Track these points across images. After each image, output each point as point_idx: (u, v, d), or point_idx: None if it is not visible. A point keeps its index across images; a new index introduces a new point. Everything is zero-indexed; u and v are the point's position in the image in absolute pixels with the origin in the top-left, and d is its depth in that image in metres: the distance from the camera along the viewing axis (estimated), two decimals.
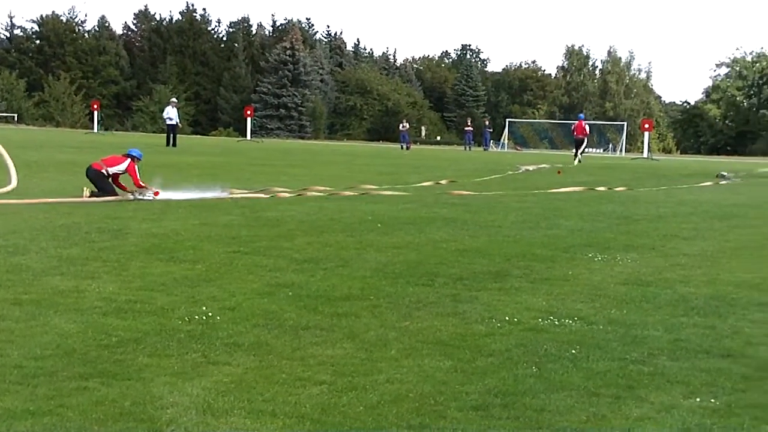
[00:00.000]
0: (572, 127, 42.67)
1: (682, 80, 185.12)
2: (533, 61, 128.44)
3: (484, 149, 64.20)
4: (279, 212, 12.89)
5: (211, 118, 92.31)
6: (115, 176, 14.43)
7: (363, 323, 6.18)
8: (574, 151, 40.07)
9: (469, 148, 61.19)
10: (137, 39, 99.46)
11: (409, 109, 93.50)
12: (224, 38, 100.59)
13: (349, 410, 4.38)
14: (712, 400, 4.69)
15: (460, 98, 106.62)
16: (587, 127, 40.35)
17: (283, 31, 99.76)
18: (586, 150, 41.29)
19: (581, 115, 43.60)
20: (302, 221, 11.93)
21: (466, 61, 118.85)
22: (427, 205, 14.93)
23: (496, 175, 25.36)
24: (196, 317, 6.12)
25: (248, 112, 59.99)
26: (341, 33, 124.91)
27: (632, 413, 4.47)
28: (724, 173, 28.55)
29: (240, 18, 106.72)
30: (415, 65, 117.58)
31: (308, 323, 6.11)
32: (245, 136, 60.15)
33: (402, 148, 56.40)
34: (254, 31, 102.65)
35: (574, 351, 5.59)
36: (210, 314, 6.22)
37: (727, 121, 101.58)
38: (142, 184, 14.33)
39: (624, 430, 4.23)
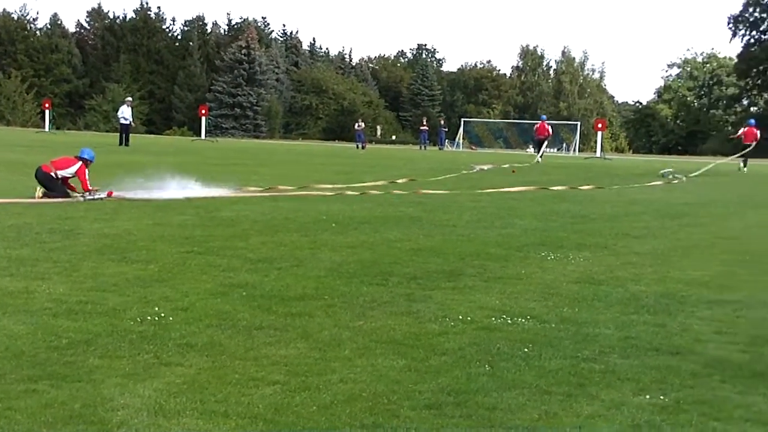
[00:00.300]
0: (534, 128, 43.69)
1: (634, 80, 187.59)
2: (488, 61, 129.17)
3: (440, 149, 64.38)
4: (233, 212, 12.83)
5: (165, 117, 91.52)
6: (65, 178, 14.19)
7: (317, 323, 6.18)
8: (535, 150, 40.98)
9: (425, 147, 61.31)
10: (90, 37, 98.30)
11: (364, 108, 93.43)
12: (179, 37, 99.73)
13: (302, 410, 4.37)
14: (662, 397, 4.75)
15: (416, 98, 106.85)
16: (549, 128, 41.33)
17: (238, 29, 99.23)
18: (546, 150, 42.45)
19: (543, 116, 44.71)
20: (256, 221, 11.89)
21: (422, 60, 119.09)
22: (381, 204, 14.95)
23: (451, 175, 25.43)
24: (149, 318, 6.08)
25: (203, 111, 59.55)
26: (297, 32, 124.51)
27: (583, 411, 4.51)
28: (665, 171, 28.96)
29: (195, 16, 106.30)
30: (370, 65, 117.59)
31: (262, 323, 6.09)
32: (200, 136, 59.69)
33: (357, 147, 56.36)
34: (209, 30, 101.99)
35: (526, 349, 5.63)
36: (162, 315, 6.17)
37: (678, 121, 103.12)
38: (90, 188, 14.06)
39: (575, 428, 4.27)
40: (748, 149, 33.63)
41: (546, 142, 41.49)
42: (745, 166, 33.24)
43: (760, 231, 13.20)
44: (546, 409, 4.51)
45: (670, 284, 8.21)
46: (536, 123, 42.05)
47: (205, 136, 58.41)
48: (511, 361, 5.38)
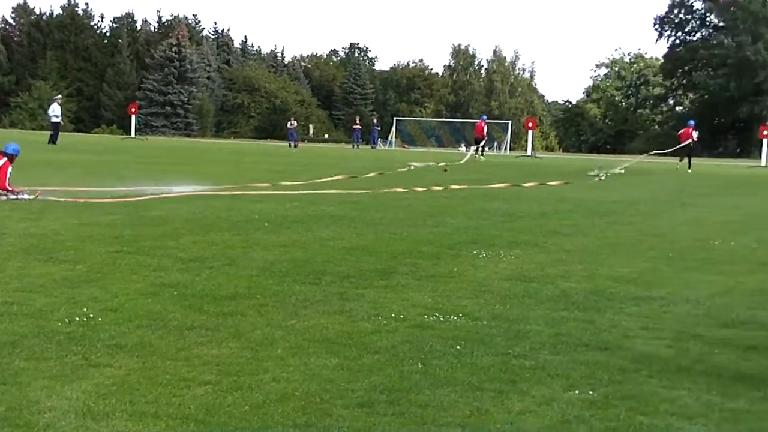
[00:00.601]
0: (475, 127, 44.96)
1: (564, 80, 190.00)
2: (420, 60, 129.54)
3: (372, 147, 64.45)
4: (164, 211, 12.67)
5: (93, 116, 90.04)
6: None
7: (249, 322, 6.14)
8: (474, 148, 42.13)
9: (357, 146, 61.34)
10: (16, 33, 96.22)
11: (297, 107, 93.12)
12: (108, 34, 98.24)
13: (234, 410, 4.34)
14: (591, 392, 4.82)
15: (348, 96, 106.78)
16: (485, 128, 42.36)
17: (169, 27, 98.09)
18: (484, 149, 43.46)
19: (483, 116, 45.90)
20: (188, 219, 11.76)
21: (354, 59, 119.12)
22: (314, 203, 14.91)
23: (386, 172, 25.47)
24: (77, 319, 5.97)
25: (133, 110, 58.74)
26: (228, 30, 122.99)
27: (514, 407, 4.56)
28: (593, 172, 29.42)
29: (124, 13, 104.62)
30: (303, 63, 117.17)
31: (193, 323, 6.03)
32: (130, 134, 58.87)
33: (290, 146, 56.16)
34: (139, 27, 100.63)
35: (458, 347, 5.67)
36: (91, 315, 6.07)
37: (606, 120, 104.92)
38: (9, 188, 13.68)
39: (506, 424, 4.31)
40: (678, 147, 35.04)
41: (484, 141, 42.53)
42: (677, 165, 34.38)
43: (685, 228, 13.47)
44: (478, 406, 4.54)
45: (599, 281, 8.34)
46: (469, 122, 42.97)
47: (135, 135, 57.60)
48: (443, 358, 5.41)
